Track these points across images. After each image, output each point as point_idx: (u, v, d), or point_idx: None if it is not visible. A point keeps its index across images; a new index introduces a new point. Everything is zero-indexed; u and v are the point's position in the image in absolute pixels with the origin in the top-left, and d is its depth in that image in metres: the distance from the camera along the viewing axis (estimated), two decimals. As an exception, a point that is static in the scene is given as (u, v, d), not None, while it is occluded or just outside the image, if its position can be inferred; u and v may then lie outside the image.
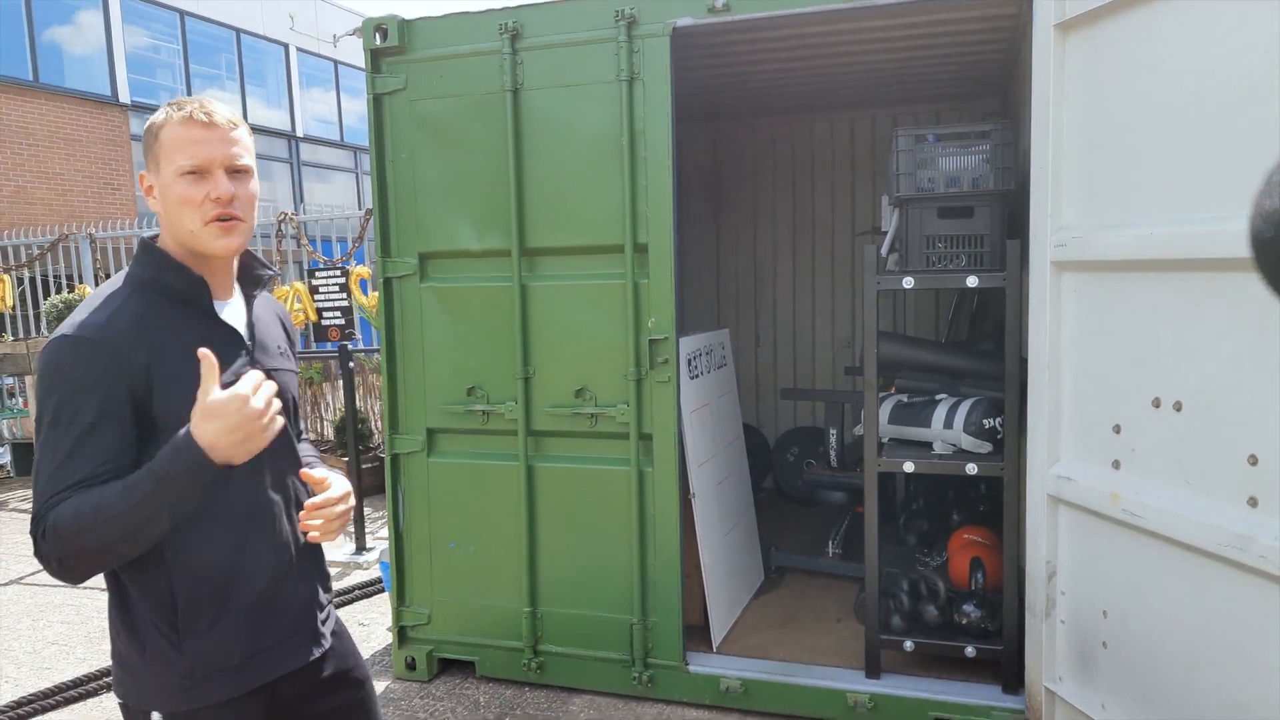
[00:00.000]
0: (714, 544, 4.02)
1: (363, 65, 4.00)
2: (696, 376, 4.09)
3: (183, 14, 14.53)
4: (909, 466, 3.53)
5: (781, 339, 6.63)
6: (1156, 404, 2.62)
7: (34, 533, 1.51)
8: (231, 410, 1.45)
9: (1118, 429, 2.79)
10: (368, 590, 5.20)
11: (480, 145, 3.80)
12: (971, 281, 3.40)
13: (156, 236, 1.71)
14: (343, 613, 4.83)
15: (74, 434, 1.51)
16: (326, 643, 1.87)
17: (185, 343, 1.58)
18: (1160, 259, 2.56)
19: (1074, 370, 2.99)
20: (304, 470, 1.75)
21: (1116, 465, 2.80)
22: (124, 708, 1.70)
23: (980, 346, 4.22)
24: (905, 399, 3.72)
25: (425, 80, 3.86)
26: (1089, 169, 2.88)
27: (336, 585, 5.30)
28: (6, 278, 8.67)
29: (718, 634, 3.93)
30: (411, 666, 4.07)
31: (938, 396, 3.66)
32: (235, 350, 1.71)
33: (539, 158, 3.73)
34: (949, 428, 3.52)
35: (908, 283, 3.47)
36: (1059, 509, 3.08)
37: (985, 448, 3.47)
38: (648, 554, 3.75)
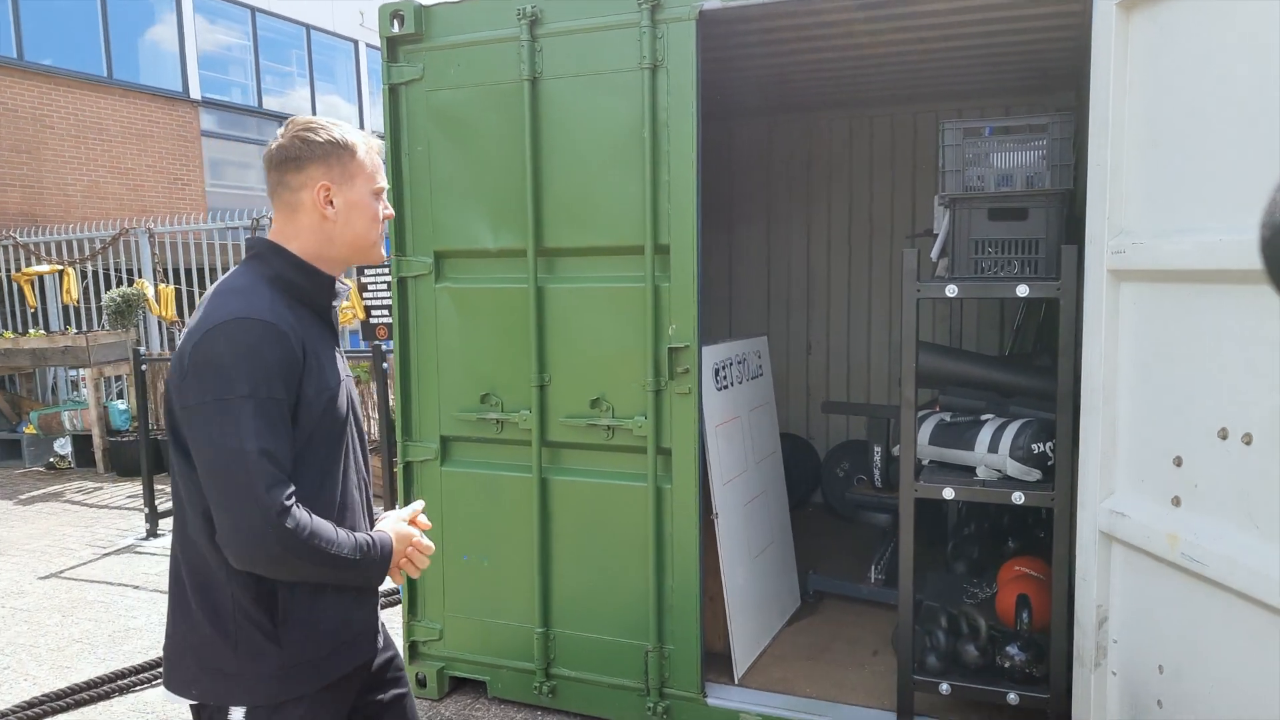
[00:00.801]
0: (739, 567, 3.76)
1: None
2: (725, 387, 3.84)
3: (254, 10, 14.80)
4: (949, 493, 3.22)
5: (834, 346, 6.31)
6: (1223, 435, 2.29)
7: (270, 500, 1.54)
8: (408, 537, 1.85)
9: (1179, 461, 2.46)
10: (384, 600, 5.05)
11: (497, 138, 3.62)
12: (1022, 290, 3.08)
13: (264, 239, 1.81)
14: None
15: (271, 410, 1.59)
16: (384, 635, 1.99)
17: (313, 337, 1.74)
18: (1230, 269, 2.23)
19: (1131, 392, 2.66)
20: (419, 519, 1.95)
21: (1176, 502, 2.47)
22: (198, 708, 1.72)
23: (1038, 362, 3.87)
24: (948, 418, 3.41)
25: (442, 69, 3.69)
26: (1152, 166, 2.55)
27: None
28: (72, 270, 8.86)
29: (741, 664, 3.67)
30: (422, 684, 3.91)
31: (983, 417, 3.34)
32: (335, 349, 1.88)
33: (557, 152, 3.53)
34: (994, 451, 3.20)
35: (951, 290, 3.16)
36: (1112, 547, 2.75)
37: (1034, 475, 3.15)
38: (665, 577, 3.52)
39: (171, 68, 13.39)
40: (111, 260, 9.03)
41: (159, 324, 8.95)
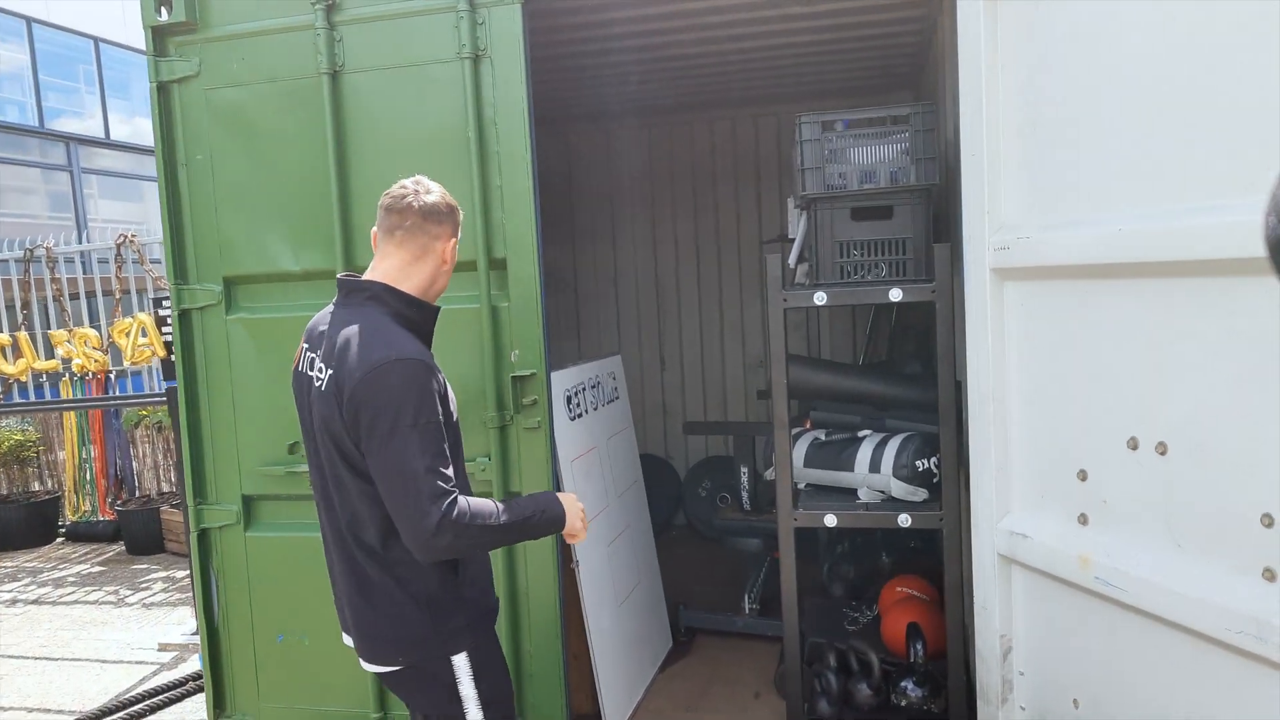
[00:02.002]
0: (606, 617, 3.35)
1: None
2: (580, 416, 3.43)
3: (30, 21, 13.24)
4: (830, 520, 2.92)
5: (689, 361, 6.01)
6: (1133, 444, 2.07)
7: (437, 507, 1.85)
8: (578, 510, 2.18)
9: (1083, 475, 2.23)
10: (181, 689, 4.18)
11: (294, 142, 3.09)
12: (895, 295, 2.82)
13: (378, 282, 2.05)
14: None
15: (433, 433, 1.90)
16: None
17: (435, 362, 2.05)
18: (1131, 262, 2.00)
19: (1024, 401, 2.43)
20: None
21: (1084, 520, 2.24)
22: (414, 668, 2.04)
23: (905, 369, 3.65)
24: (823, 436, 3.12)
25: (223, 64, 3.13)
26: (1033, 154, 2.32)
27: (163, 677, 4.45)
28: None
29: (612, 727, 3.25)
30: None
31: (860, 433, 3.07)
32: None
33: (368, 156, 3.03)
34: (875, 471, 2.92)
35: (819, 298, 2.87)
36: (1013, 571, 2.51)
37: (920, 494, 2.89)
38: (522, 641, 3.06)
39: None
40: None
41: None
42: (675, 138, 5.84)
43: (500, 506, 1.99)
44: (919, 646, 2.97)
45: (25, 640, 5.11)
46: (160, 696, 4.01)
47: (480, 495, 2.94)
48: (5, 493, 7.07)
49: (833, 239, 3.06)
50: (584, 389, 3.51)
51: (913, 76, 4.85)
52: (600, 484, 3.52)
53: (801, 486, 3.16)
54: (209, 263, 3.21)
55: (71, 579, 6.21)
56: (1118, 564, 2.12)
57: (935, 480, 2.89)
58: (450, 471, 1.93)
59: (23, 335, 6.87)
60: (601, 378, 3.75)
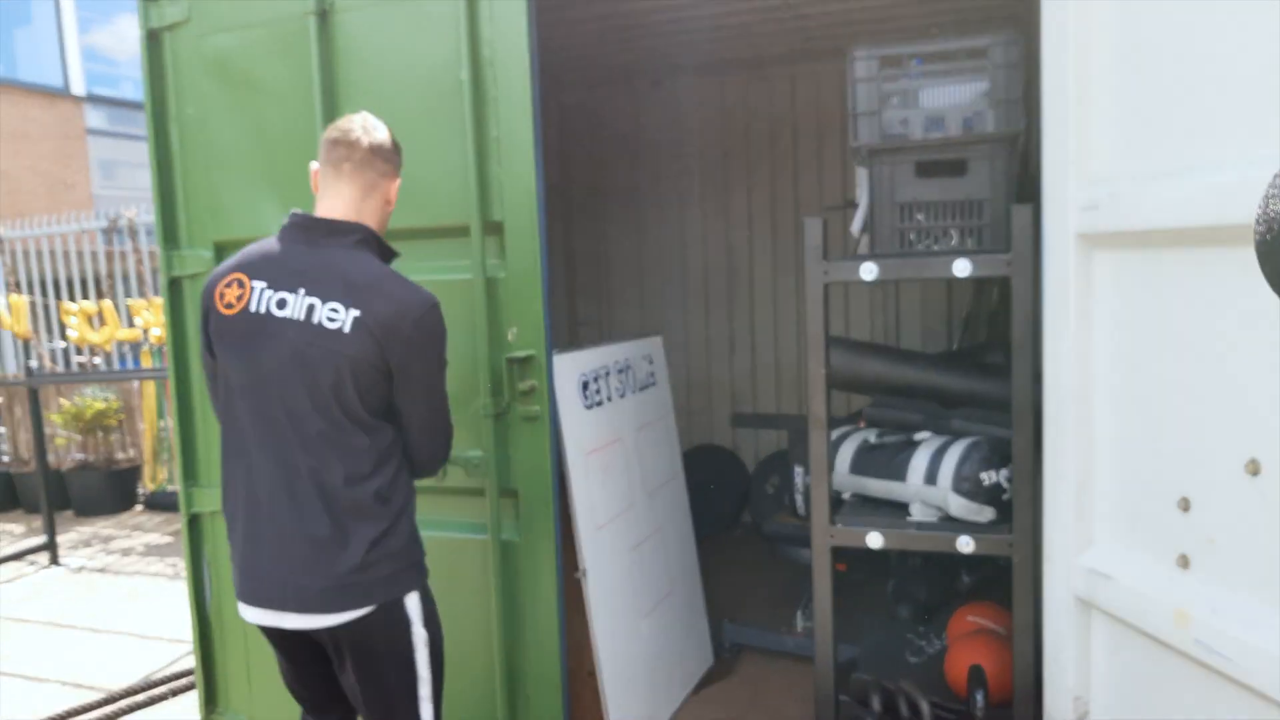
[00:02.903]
0: (621, 634, 2.96)
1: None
2: (599, 404, 3.03)
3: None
4: (875, 540, 2.44)
5: (761, 343, 5.52)
6: (1253, 469, 1.54)
7: (450, 446, 2.19)
8: None
9: (1185, 504, 1.70)
10: (174, 688, 3.91)
11: (286, 93, 2.79)
12: (961, 268, 2.31)
13: (360, 224, 2.06)
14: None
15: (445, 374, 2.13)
16: None
17: None
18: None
19: (1116, 405, 1.90)
20: None
21: (1184, 563, 1.71)
22: (382, 609, 2.01)
23: (988, 359, 3.10)
24: (873, 438, 2.63)
25: (213, 8, 2.85)
26: (1133, 86, 1.78)
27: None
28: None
29: (623, 759, 2.86)
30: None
31: (917, 436, 2.56)
32: None
33: (358, 104, 2.69)
34: (931, 482, 2.42)
35: (868, 271, 2.38)
36: (1093, 618, 1.99)
37: (986, 514, 2.37)
38: (518, 657, 2.70)
39: (50, 62, 12.23)
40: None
41: (12, 340, 7.94)
42: (752, 94, 5.33)
43: None
44: (980, 695, 2.46)
45: (79, 609, 5.10)
46: (144, 694, 3.83)
47: (460, 495, 2.76)
48: (89, 459, 7.19)
49: (892, 200, 2.56)
50: (607, 374, 3.10)
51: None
52: (623, 481, 3.12)
53: (846, 496, 2.68)
54: (200, 226, 2.96)
55: (139, 548, 6.23)
56: (1225, 625, 1.59)
57: (1005, 497, 2.37)
58: None
59: (107, 304, 6.95)
60: (633, 361, 3.33)
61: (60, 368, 7.82)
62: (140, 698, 3.82)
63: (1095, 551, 1.97)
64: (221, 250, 2.93)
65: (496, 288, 2.62)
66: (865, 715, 2.57)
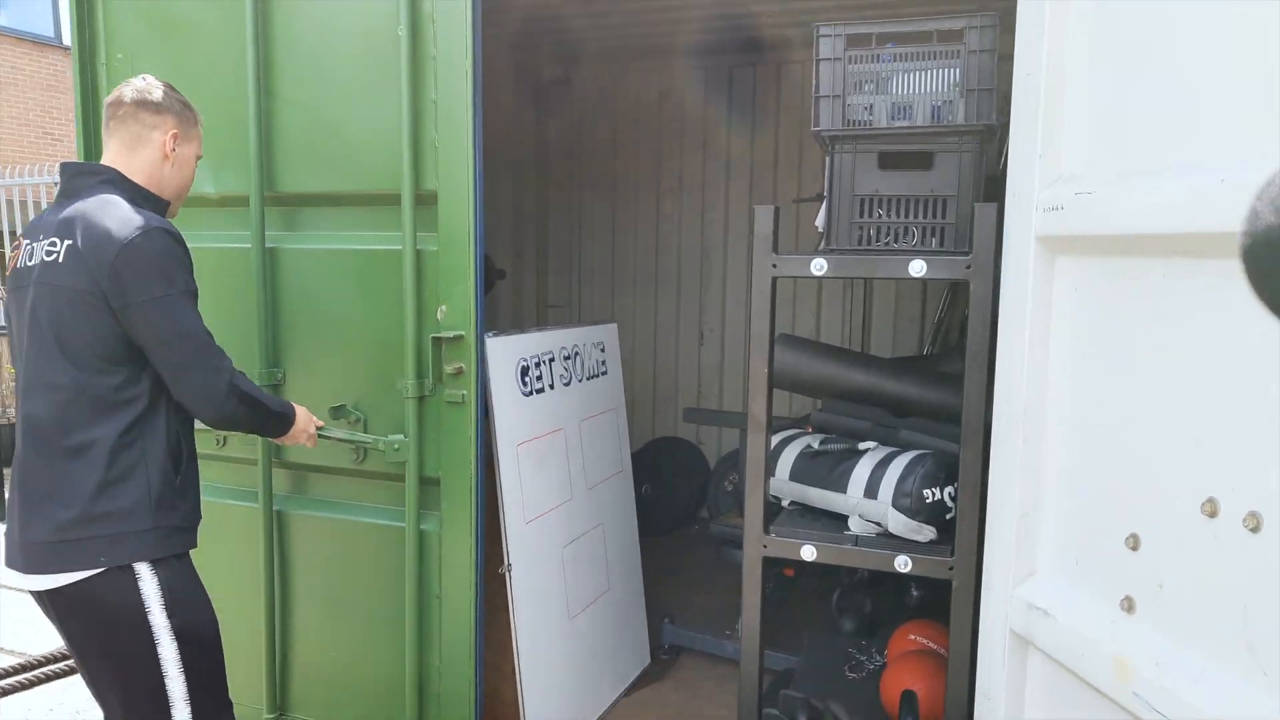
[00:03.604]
0: (547, 632, 2.80)
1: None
2: (538, 392, 2.86)
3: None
4: (809, 553, 2.28)
5: (731, 337, 5.35)
6: (1210, 510, 1.38)
7: (227, 370, 1.96)
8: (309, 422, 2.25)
9: (1134, 542, 1.55)
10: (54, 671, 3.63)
11: (217, 39, 2.61)
12: (917, 268, 2.14)
13: (110, 166, 2.03)
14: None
15: (193, 304, 1.95)
16: None
17: None
18: (1234, 233, 1.29)
19: (1068, 426, 1.74)
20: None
21: (1129, 605, 1.56)
22: (103, 577, 1.86)
23: (946, 367, 2.94)
24: (816, 444, 2.46)
25: (143, -58, 2.65)
26: (1107, 78, 1.62)
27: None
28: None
29: (539, 766, 2.71)
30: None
31: (862, 445, 2.40)
32: None
33: (292, 58, 2.53)
34: (871, 496, 2.26)
35: (818, 266, 2.22)
36: (1029, 655, 1.84)
37: (926, 533, 2.21)
38: (429, 654, 2.55)
39: (41, 9, 11.90)
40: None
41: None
42: (737, 80, 5.14)
43: (265, 391, 2.10)
44: (912, 723, 2.31)
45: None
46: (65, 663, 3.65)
47: (380, 479, 2.58)
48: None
49: (852, 192, 2.38)
50: (550, 359, 2.93)
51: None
52: (560, 474, 2.95)
53: (786, 504, 2.52)
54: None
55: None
56: (1167, 680, 1.44)
57: (949, 516, 2.21)
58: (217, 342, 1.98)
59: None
60: (582, 348, 3.16)
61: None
62: (58, 667, 3.64)
63: (1036, 583, 1.82)
64: (143, 204, 2.75)
65: (425, 261, 2.45)
66: (790, 737, 2.42)
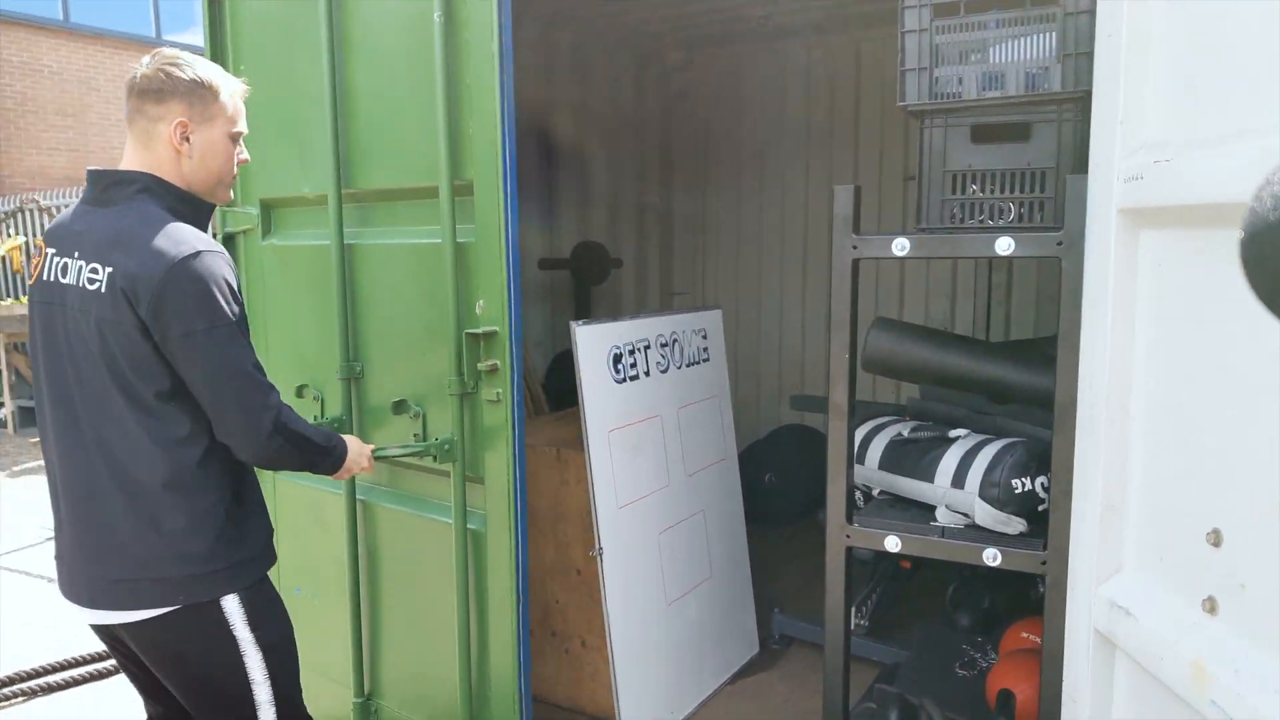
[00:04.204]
0: (640, 617, 2.84)
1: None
2: (632, 379, 2.89)
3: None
4: (892, 544, 2.21)
5: (864, 323, 5.19)
6: (1295, 504, 1.24)
7: (273, 408, 1.83)
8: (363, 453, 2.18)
9: (1216, 538, 1.42)
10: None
11: (308, 46, 2.71)
12: (1004, 246, 2.03)
13: (146, 173, 1.85)
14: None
15: (237, 335, 1.80)
16: None
17: None
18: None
19: (1151, 411, 1.62)
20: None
21: (1210, 607, 1.43)
22: (187, 611, 1.82)
23: (1052, 350, 2.75)
24: (906, 432, 2.38)
25: (259, -42, 2.84)
26: (1191, 36, 1.48)
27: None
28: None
29: (631, 748, 2.75)
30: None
31: (953, 433, 2.29)
32: None
33: (361, 56, 2.60)
34: (959, 486, 2.16)
35: (900, 246, 2.14)
36: (1115, 657, 1.72)
37: (1015, 525, 2.10)
38: (484, 658, 2.57)
39: (141, 8, 12.81)
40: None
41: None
42: (865, 55, 4.99)
43: (311, 425, 1.98)
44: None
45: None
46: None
47: (436, 475, 2.53)
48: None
49: (943, 168, 2.28)
50: (645, 347, 2.96)
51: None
52: (658, 459, 2.98)
53: (876, 493, 2.44)
54: (250, 181, 2.98)
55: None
56: (1245, 689, 1.31)
57: (1042, 508, 2.09)
58: (265, 373, 1.88)
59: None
60: (682, 334, 3.17)
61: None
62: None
63: (1120, 580, 1.70)
64: (267, 208, 2.96)
65: (464, 255, 2.45)
66: (878, 732, 2.35)
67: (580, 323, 2.66)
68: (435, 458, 2.48)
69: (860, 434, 2.47)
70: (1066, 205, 1.97)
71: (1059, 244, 1.98)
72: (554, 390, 4.28)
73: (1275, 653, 1.28)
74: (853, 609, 3.45)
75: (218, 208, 2.97)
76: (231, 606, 1.86)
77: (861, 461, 2.44)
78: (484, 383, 2.44)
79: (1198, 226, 1.46)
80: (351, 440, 2.09)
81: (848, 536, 2.27)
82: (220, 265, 1.79)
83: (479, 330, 2.42)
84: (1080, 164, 2.16)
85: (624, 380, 2.85)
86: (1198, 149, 1.41)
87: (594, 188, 5.04)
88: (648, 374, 2.97)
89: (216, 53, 2.97)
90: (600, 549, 2.69)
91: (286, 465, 1.97)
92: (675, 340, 3.14)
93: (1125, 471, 1.67)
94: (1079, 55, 2.09)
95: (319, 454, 1.97)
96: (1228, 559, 1.39)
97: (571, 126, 4.80)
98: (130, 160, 1.87)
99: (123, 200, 1.82)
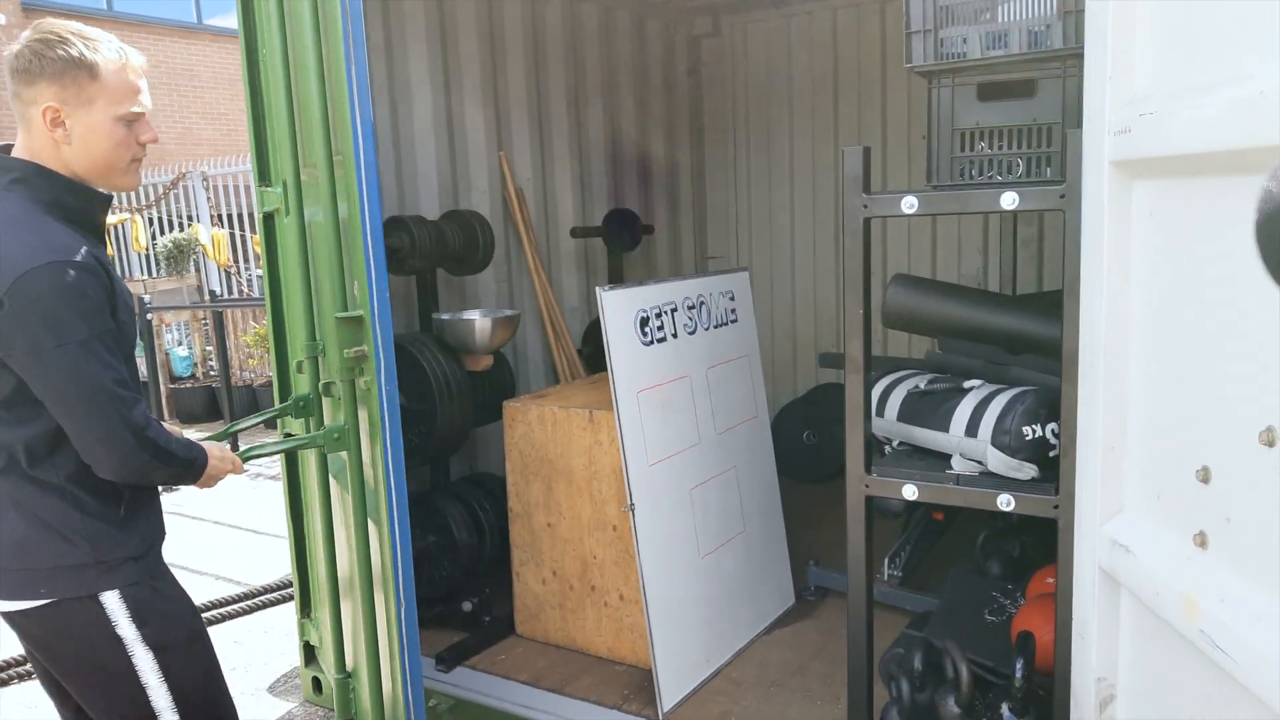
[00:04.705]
0: (674, 569, 2.96)
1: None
2: (660, 341, 2.99)
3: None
4: (910, 492, 2.29)
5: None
6: (1269, 438, 1.32)
7: (135, 425, 1.69)
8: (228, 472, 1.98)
9: (1205, 475, 1.49)
10: (274, 597, 4.28)
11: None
12: (1008, 200, 2.09)
13: (27, 161, 1.73)
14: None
15: (109, 343, 1.69)
16: None
17: (105, 260, 1.76)
18: (1266, 147, 1.22)
19: (1146, 356, 1.68)
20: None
21: (1202, 541, 1.51)
22: (66, 605, 1.75)
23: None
24: (923, 384, 2.45)
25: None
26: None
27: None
28: (139, 218, 8.78)
29: (670, 694, 2.89)
30: (319, 689, 3.35)
31: (968, 383, 2.36)
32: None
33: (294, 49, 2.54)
34: (972, 434, 2.23)
35: (909, 204, 2.20)
36: (1120, 595, 1.79)
37: (1027, 470, 2.17)
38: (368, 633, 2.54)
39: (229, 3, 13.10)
40: (174, 206, 8.91)
41: (217, 268, 8.78)
42: (890, 17, 4.98)
43: (172, 437, 1.82)
44: (1023, 662, 2.29)
45: (248, 512, 5.67)
46: (276, 593, 4.22)
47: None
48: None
49: (952, 127, 2.33)
50: (671, 310, 3.05)
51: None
52: (687, 417, 3.08)
53: (895, 444, 2.52)
54: (278, 165, 3.11)
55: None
56: (1229, 617, 1.39)
57: (1053, 454, 2.16)
58: (131, 381, 1.75)
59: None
60: (709, 297, 3.26)
61: (255, 294, 8.59)
62: (272, 596, 4.23)
63: (1122, 520, 1.77)
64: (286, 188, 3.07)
65: (343, 232, 2.38)
66: (899, 674, 2.45)
67: (607, 288, 2.76)
68: (325, 448, 2.42)
69: (880, 388, 2.55)
70: (1066, 159, 2.02)
71: (1061, 197, 2.03)
72: (589, 356, 4.40)
73: (1257, 581, 1.36)
74: (885, 561, 3.56)
75: (260, 187, 3.14)
76: (112, 603, 1.76)
77: (881, 414, 2.52)
78: (356, 371, 2.35)
79: (1183, 176, 1.51)
80: (211, 447, 1.92)
81: (866, 486, 2.36)
82: (80, 274, 1.63)
83: (346, 315, 2.33)
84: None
85: (651, 343, 2.95)
86: (1177, 101, 1.46)
87: (624, 155, 5.12)
88: (675, 336, 3.06)
89: (250, 36, 3.07)
90: (632, 504, 2.81)
91: (153, 479, 1.83)
92: (702, 303, 3.22)
93: (1125, 415, 1.74)
94: (1079, 12, 2.12)
95: (183, 466, 1.82)
96: (1216, 495, 1.46)
97: (601, 95, 4.87)
98: (17, 145, 1.75)
99: (1, 188, 1.69)
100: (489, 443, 4.20)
